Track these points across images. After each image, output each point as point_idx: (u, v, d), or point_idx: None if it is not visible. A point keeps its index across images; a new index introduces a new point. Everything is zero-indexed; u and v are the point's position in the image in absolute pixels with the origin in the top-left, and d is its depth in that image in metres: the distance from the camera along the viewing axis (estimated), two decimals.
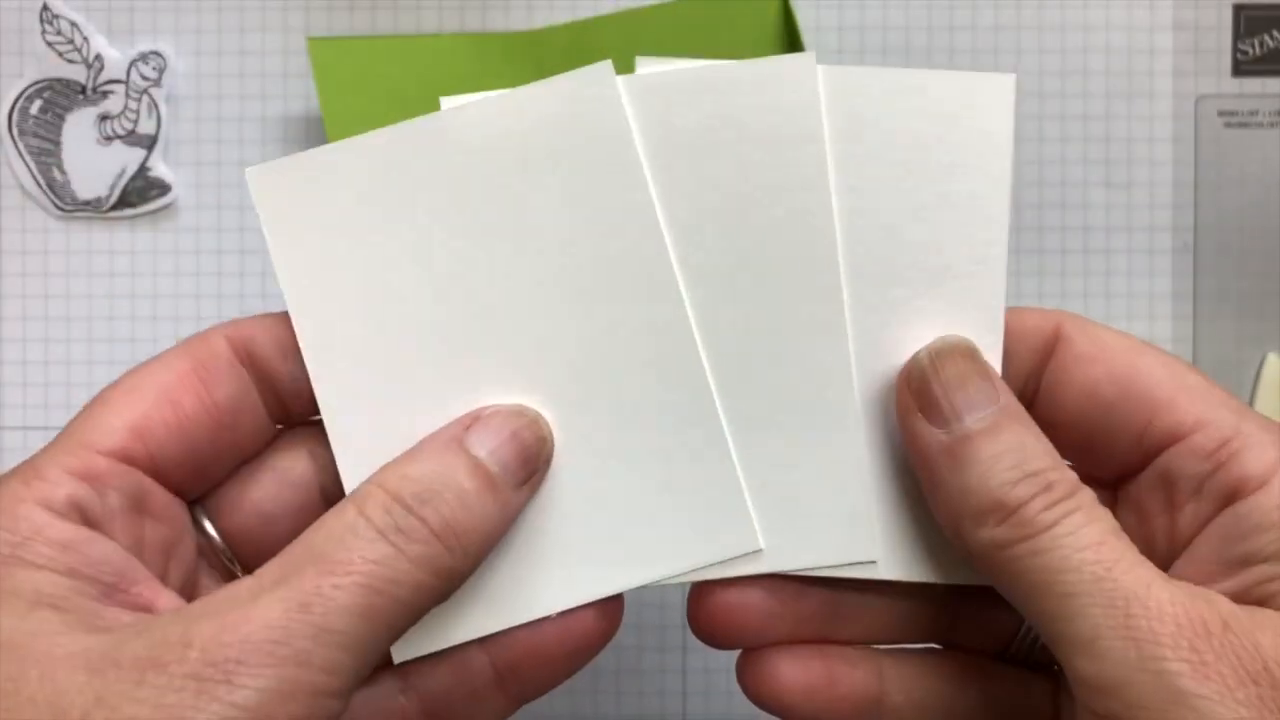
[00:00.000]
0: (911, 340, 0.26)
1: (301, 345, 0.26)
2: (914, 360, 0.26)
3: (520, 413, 0.25)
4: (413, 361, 0.26)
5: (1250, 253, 0.42)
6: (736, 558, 0.26)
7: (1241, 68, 0.42)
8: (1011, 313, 0.26)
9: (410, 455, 0.24)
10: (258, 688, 0.21)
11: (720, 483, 0.26)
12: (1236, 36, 0.42)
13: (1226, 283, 0.42)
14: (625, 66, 0.26)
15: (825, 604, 0.27)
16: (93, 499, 0.23)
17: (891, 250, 0.26)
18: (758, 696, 0.27)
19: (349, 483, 0.26)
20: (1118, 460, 0.26)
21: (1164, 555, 0.25)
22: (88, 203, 0.42)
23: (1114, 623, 0.22)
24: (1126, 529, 0.26)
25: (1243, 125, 0.42)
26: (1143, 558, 0.23)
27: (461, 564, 0.24)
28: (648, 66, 0.26)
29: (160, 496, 0.25)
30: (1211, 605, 0.22)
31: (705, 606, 0.27)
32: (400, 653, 0.26)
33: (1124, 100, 0.42)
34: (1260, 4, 0.42)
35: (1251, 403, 0.42)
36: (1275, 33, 0.42)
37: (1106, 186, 0.42)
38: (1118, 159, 0.42)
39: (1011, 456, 0.24)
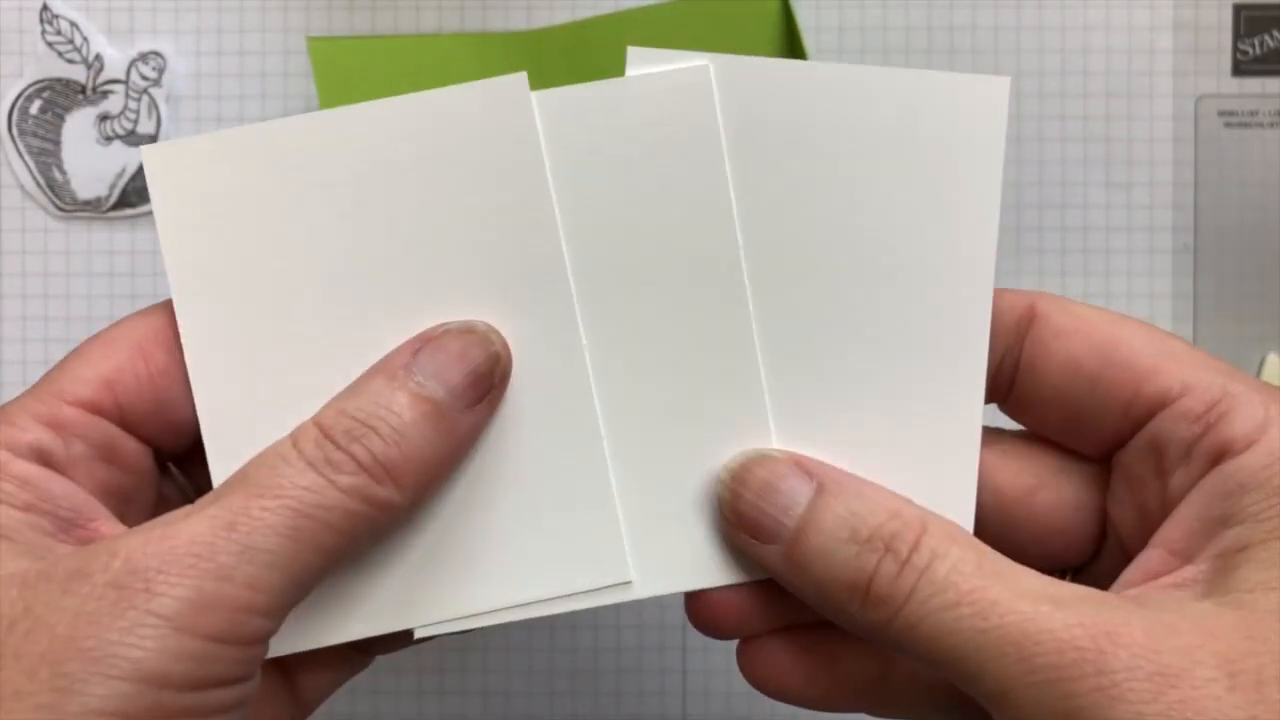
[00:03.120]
0: (901, 344, 0.26)
1: (182, 334, 0.26)
2: (718, 493, 0.25)
3: (468, 329, 0.25)
4: (295, 357, 0.26)
5: (1250, 253, 0.42)
6: (605, 588, 0.26)
7: (1241, 68, 0.42)
8: None
9: (352, 388, 0.24)
10: (176, 596, 0.21)
11: (598, 511, 0.26)
12: (1236, 36, 0.42)
13: (1226, 283, 0.42)
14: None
15: None
16: (57, 445, 0.24)
17: (879, 252, 0.26)
18: (760, 685, 0.27)
19: (217, 478, 0.25)
20: (1107, 432, 0.26)
21: (1157, 521, 0.25)
22: (88, 203, 0.42)
23: (1014, 672, 0.21)
24: (1119, 498, 0.26)
25: (1243, 125, 0.42)
26: (1024, 579, 0.22)
27: (398, 496, 0.23)
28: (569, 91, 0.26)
29: (130, 446, 0.25)
30: (1114, 612, 0.22)
31: (701, 598, 0.27)
32: (275, 647, 0.26)
33: (1124, 100, 0.42)
34: (1260, 4, 0.42)
35: None
36: (1275, 33, 0.42)
37: (1106, 186, 0.42)
38: (1118, 159, 0.42)
39: (842, 531, 0.23)
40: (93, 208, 0.42)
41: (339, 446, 0.23)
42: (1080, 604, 0.22)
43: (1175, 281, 0.42)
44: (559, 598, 0.26)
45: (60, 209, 0.42)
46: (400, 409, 0.23)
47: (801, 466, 0.25)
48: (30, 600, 0.21)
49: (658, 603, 0.42)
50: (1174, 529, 0.24)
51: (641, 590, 0.26)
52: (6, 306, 0.43)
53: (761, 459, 0.25)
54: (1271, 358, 0.42)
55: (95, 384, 0.25)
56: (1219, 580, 0.22)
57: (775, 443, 0.26)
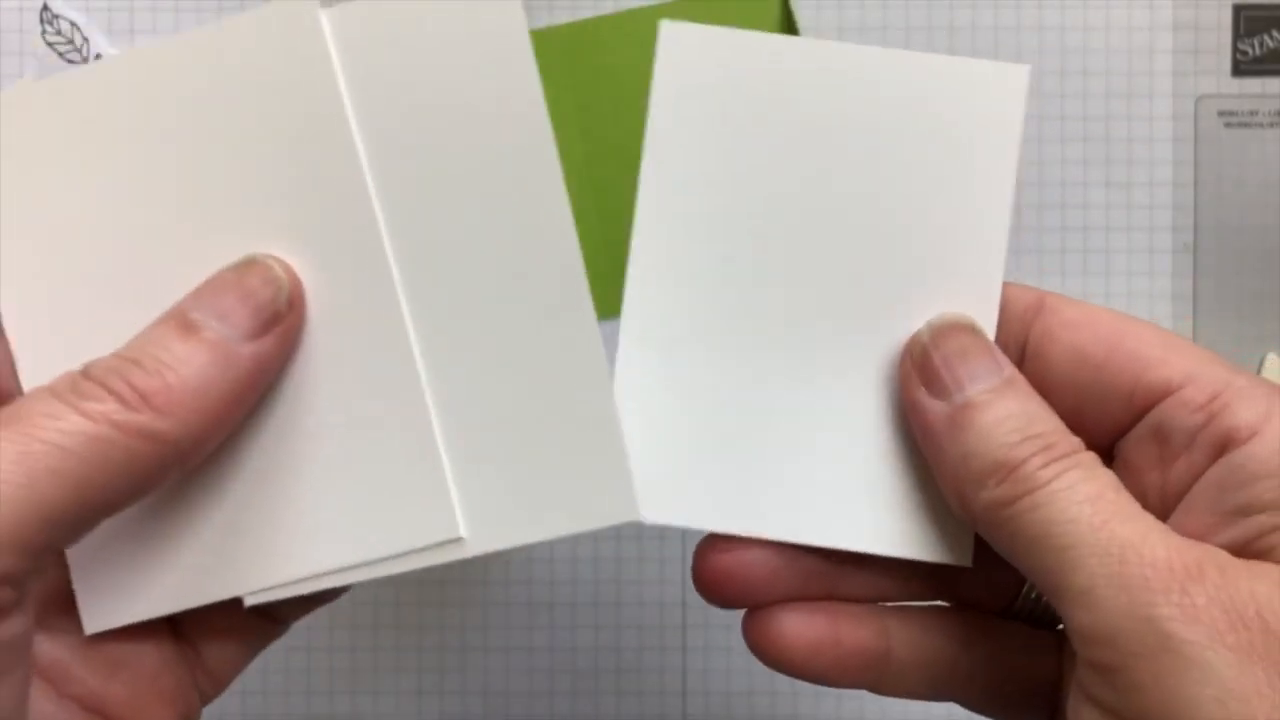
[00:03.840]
0: (907, 325, 0.26)
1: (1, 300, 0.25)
2: (915, 335, 0.26)
3: (248, 261, 0.24)
4: (108, 312, 0.25)
5: (1250, 253, 0.42)
6: (436, 545, 0.25)
7: (1241, 68, 0.42)
8: None
9: (131, 339, 0.23)
10: None
11: (423, 466, 0.25)
12: (1236, 36, 0.42)
13: (1226, 283, 0.42)
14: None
15: (830, 562, 0.27)
16: None
17: (895, 233, 0.26)
18: (763, 654, 0.27)
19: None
20: (1109, 420, 0.26)
21: (1157, 510, 0.25)
22: None
23: (1108, 571, 0.22)
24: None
25: (1243, 125, 0.42)
26: (1144, 512, 0.23)
27: (162, 423, 0.22)
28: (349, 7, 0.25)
29: None
30: (1208, 554, 0.22)
31: (709, 566, 0.27)
32: (91, 624, 0.25)
33: (1124, 100, 0.42)
34: (1260, 4, 0.42)
35: None
36: (1275, 33, 0.42)
37: (1106, 186, 0.42)
38: (1118, 159, 0.42)
39: (1014, 421, 0.24)
40: None
41: (93, 380, 0.22)
42: (1180, 540, 0.23)
43: (1175, 281, 0.42)
44: (388, 558, 0.25)
45: None
46: (169, 343, 0.23)
47: (998, 353, 0.25)
48: None
49: (658, 601, 0.42)
50: (1187, 521, 0.24)
51: (475, 547, 0.25)
52: None
53: (971, 329, 0.26)
54: (1271, 357, 0.42)
55: None
56: None
57: (617, 393, 0.25)
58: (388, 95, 0.24)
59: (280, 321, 0.24)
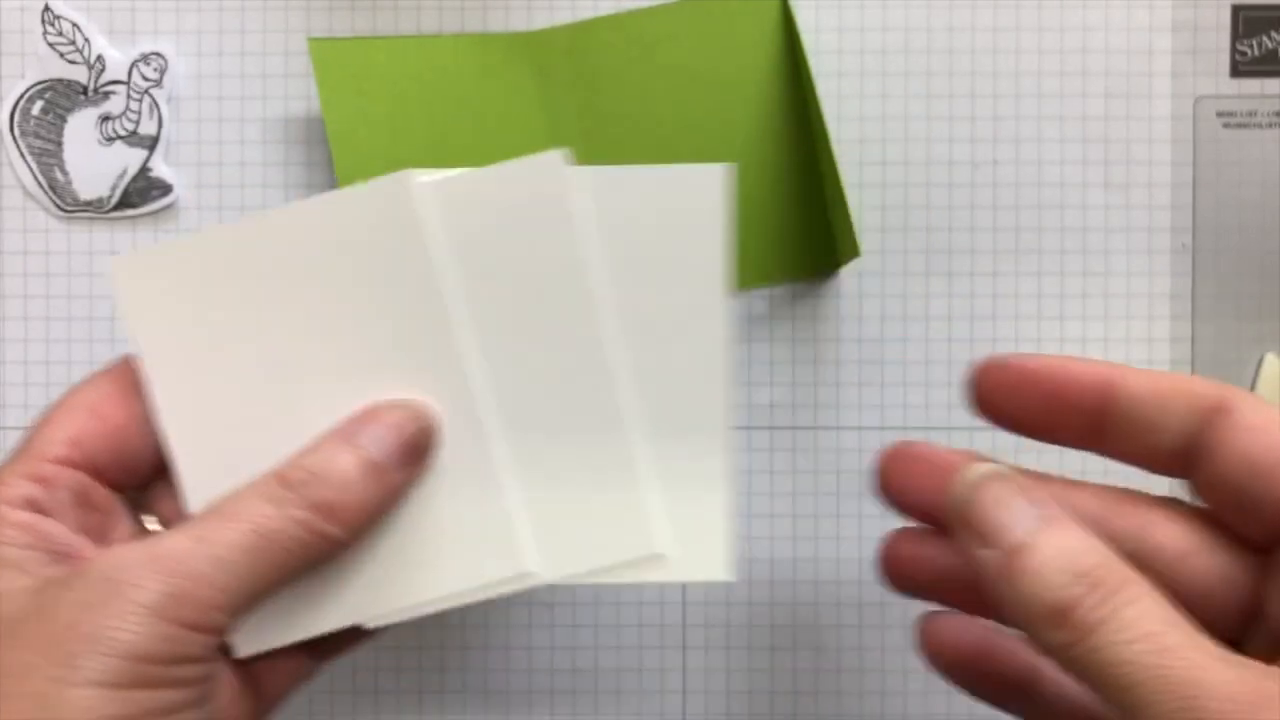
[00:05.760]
0: (651, 401, 0.31)
1: (159, 407, 0.31)
2: (953, 493, 0.28)
3: (403, 406, 0.31)
4: (250, 421, 0.31)
5: (1250, 253, 0.42)
6: (510, 578, 0.31)
7: (1240, 68, 0.42)
8: (1178, 377, 0.28)
9: (309, 447, 0.30)
10: (158, 591, 0.27)
11: (495, 517, 0.31)
12: (1235, 37, 0.42)
13: (1226, 283, 0.42)
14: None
15: None
16: (44, 496, 0.30)
17: (618, 335, 0.30)
18: (921, 652, 0.31)
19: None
20: (1267, 526, 0.27)
21: None
22: (89, 203, 0.42)
23: (1175, 708, 0.23)
24: (1275, 594, 0.27)
25: (1241, 126, 0.42)
26: (1201, 639, 0.24)
27: (339, 533, 0.29)
28: (424, 176, 0.30)
29: (99, 492, 0.31)
30: (1273, 682, 0.23)
31: (890, 554, 0.30)
32: (244, 647, 0.31)
33: (1124, 100, 0.42)
34: (1260, 4, 0.42)
35: None
36: (1274, 33, 0.42)
37: (1106, 186, 0.42)
38: (1117, 159, 0.42)
39: (1060, 560, 0.25)
40: (94, 208, 0.42)
41: (292, 489, 0.29)
42: (1245, 668, 0.24)
43: (1174, 281, 0.42)
44: (475, 589, 0.31)
45: (62, 209, 0.42)
46: (345, 465, 0.29)
47: (1031, 495, 0.27)
48: (40, 600, 0.27)
49: (658, 601, 0.42)
50: None
51: (545, 578, 0.31)
52: (8, 306, 0.43)
53: (999, 477, 0.28)
54: (1270, 358, 0.42)
55: (65, 444, 0.30)
56: None
57: (637, 461, 0.31)
58: (468, 254, 0.30)
59: (424, 455, 0.31)
